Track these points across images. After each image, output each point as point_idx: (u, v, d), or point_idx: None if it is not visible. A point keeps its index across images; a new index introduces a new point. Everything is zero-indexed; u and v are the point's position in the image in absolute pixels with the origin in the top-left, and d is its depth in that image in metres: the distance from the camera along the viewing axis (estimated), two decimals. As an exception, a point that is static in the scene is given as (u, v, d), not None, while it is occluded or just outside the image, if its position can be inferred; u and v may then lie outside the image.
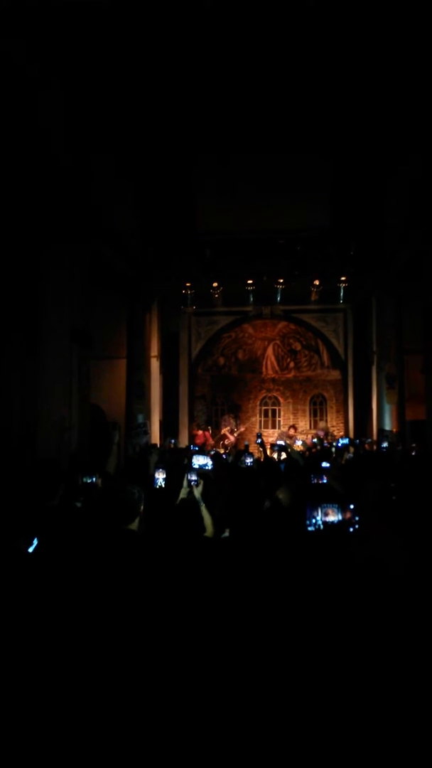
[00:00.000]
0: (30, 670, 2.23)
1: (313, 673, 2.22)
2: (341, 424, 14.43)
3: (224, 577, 2.74)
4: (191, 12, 5.65)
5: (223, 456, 9.03)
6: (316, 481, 4.62)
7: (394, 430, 10.38)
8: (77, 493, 4.14)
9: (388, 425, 10.85)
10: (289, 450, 7.74)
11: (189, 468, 4.08)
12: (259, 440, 9.35)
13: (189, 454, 7.28)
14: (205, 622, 2.47)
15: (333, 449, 8.64)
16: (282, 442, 9.64)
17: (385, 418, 11.11)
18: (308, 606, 2.38)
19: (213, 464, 4.72)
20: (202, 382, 14.91)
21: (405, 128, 7.85)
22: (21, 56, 5.62)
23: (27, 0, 5.18)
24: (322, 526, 2.50)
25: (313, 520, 2.49)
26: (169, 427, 12.97)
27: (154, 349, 11.79)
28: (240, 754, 2.11)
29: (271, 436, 13.87)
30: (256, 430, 13.82)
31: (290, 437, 12.18)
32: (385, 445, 9.04)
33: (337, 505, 2.48)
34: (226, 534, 3.48)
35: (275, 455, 7.97)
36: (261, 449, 8.96)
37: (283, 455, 7.60)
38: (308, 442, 11.56)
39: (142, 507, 3.03)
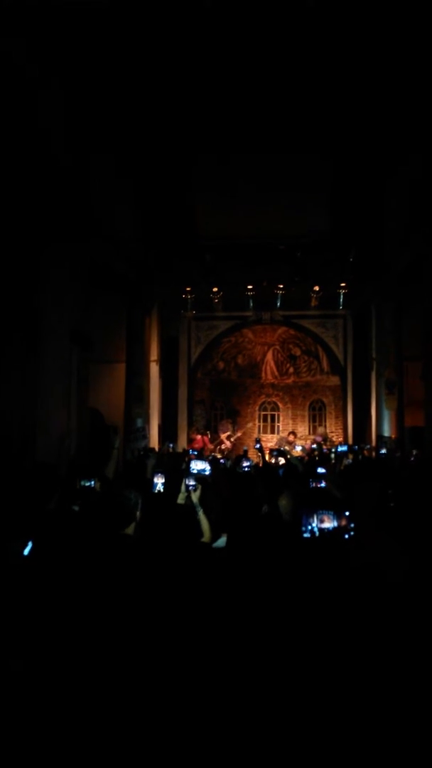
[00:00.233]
0: (25, 673, 2.21)
1: (309, 679, 2.20)
2: (340, 430, 14.42)
3: (221, 582, 2.73)
4: (191, 12, 5.66)
5: (221, 461, 9.01)
6: (314, 485, 4.61)
7: (393, 436, 10.37)
8: (75, 496, 4.13)
9: (387, 431, 10.84)
10: (289, 456, 7.73)
11: (187, 473, 4.07)
12: (258, 445, 9.34)
13: (187, 458, 7.27)
14: (201, 627, 2.46)
15: (332, 455, 8.63)
16: (282, 448, 9.64)
17: (384, 424, 11.10)
18: (304, 612, 2.37)
19: (211, 469, 4.71)
20: (201, 387, 14.91)
21: (405, 132, 7.87)
22: (21, 56, 5.63)
23: (27, 0, 5.20)
24: (317, 533, 2.49)
25: (309, 527, 2.48)
26: (168, 432, 12.96)
27: (154, 354, 11.79)
28: (233, 760, 2.09)
29: (270, 441, 13.85)
30: (255, 436, 13.80)
31: (289, 443, 12.18)
32: (383, 451, 9.03)
33: (332, 512, 2.47)
34: (223, 539, 3.47)
35: (274, 461, 7.97)
36: (260, 454, 8.95)
37: (282, 461, 7.59)
38: (307, 447, 11.56)
39: (138, 512, 3.01)
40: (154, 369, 11.83)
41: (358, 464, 8.06)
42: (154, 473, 4.82)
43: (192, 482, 3.78)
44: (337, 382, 14.44)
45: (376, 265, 10.13)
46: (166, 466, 6.28)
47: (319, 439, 12.58)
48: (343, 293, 11.49)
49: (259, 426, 15.03)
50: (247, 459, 7.08)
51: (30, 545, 2.63)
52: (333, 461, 8.19)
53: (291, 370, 15.05)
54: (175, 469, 5.95)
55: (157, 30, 6.01)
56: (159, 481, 4.57)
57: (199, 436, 12.81)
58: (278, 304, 12.08)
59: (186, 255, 10.31)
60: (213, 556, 3.23)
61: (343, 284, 11.19)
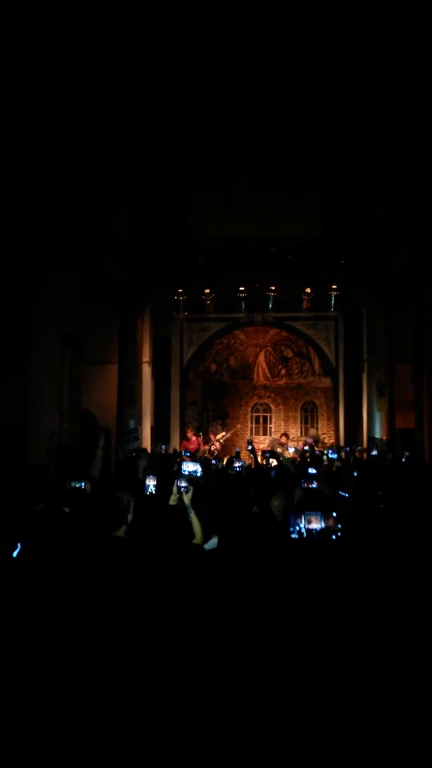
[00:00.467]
0: (24, 673, 2.21)
1: (301, 680, 2.22)
2: (332, 432, 14.48)
3: (212, 583, 2.74)
4: (191, 12, 5.66)
5: (213, 462, 9.03)
6: (306, 485, 4.62)
7: (384, 438, 10.43)
8: (65, 498, 4.13)
9: (378, 433, 10.91)
10: (281, 458, 7.76)
11: (178, 474, 4.08)
12: (250, 447, 9.36)
13: (179, 460, 7.28)
14: (193, 628, 2.47)
15: (324, 457, 8.67)
16: (275, 449, 9.67)
17: (375, 425, 11.17)
18: (294, 613, 2.38)
19: (202, 471, 4.72)
20: (193, 388, 14.92)
21: (398, 135, 7.91)
22: (20, 58, 5.61)
23: (27, 1, 5.19)
24: (305, 534, 2.51)
25: (297, 528, 2.50)
26: (160, 433, 12.95)
27: (146, 355, 11.79)
28: (225, 762, 2.10)
29: (263, 442, 13.88)
30: (247, 437, 13.83)
31: (282, 444, 12.21)
32: (374, 452, 9.09)
33: (320, 513, 2.49)
34: (214, 540, 3.48)
35: (266, 462, 7.99)
36: (252, 456, 8.97)
37: (274, 462, 7.61)
38: (299, 449, 11.60)
39: (130, 515, 3.01)
40: (147, 370, 11.83)
41: (348, 464, 8.09)
42: (146, 475, 4.82)
43: (184, 484, 3.79)
44: (328, 384, 14.50)
45: (367, 268, 10.19)
46: (158, 468, 6.28)
47: (310, 440, 12.63)
48: (335, 295, 11.54)
49: (252, 427, 15.06)
50: (239, 460, 7.10)
51: (19, 547, 2.63)
52: (325, 463, 8.24)
53: (283, 371, 15.09)
54: (167, 471, 5.96)
55: (156, 30, 6.01)
56: (151, 483, 4.58)
57: (194, 438, 12.79)
58: (270, 305, 12.11)
59: (178, 257, 10.32)
60: (204, 557, 3.24)
61: (334, 286, 11.24)
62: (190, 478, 4.07)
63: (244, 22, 5.95)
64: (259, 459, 9.12)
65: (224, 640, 2.41)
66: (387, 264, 9.66)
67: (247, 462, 8.54)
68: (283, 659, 2.30)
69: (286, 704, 2.19)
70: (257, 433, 14.89)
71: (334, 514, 2.57)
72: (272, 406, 15.12)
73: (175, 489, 3.80)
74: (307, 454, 9.85)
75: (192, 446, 12.19)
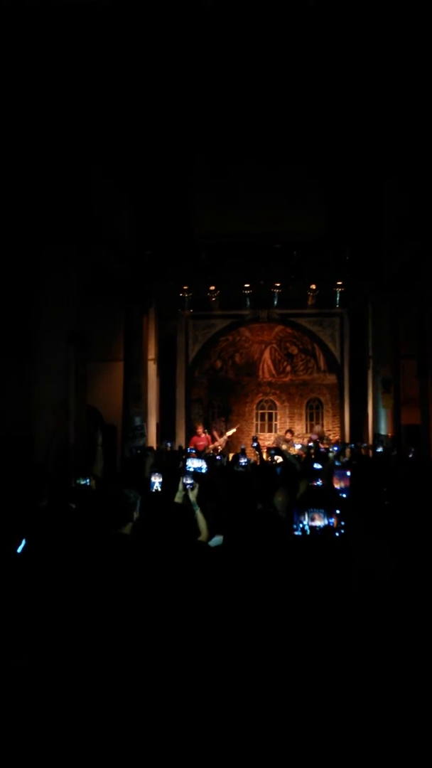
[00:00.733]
0: (19, 672, 2.23)
1: (303, 678, 2.23)
2: (337, 428, 14.46)
3: (216, 581, 2.75)
4: (191, 11, 5.66)
5: (218, 458, 9.05)
6: (311, 483, 4.64)
7: (390, 434, 10.41)
8: (71, 495, 4.16)
9: (384, 429, 10.89)
10: (287, 456, 7.76)
11: (184, 471, 4.10)
12: (255, 444, 9.37)
13: (184, 457, 7.30)
14: (198, 626, 2.48)
15: (330, 453, 8.67)
16: (280, 446, 9.67)
17: (380, 422, 11.14)
18: (297, 610, 2.39)
19: (207, 467, 4.74)
20: (198, 385, 14.93)
21: (402, 134, 7.89)
22: (20, 57, 5.63)
23: (27, 1, 5.20)
24: (309, 531, 2.52)
25: (300, 525, 2.51)
26: (165, 430, 12.97)
27: (152, 352, 11.81)
28: (229, 760, 2.12)
29: (268, 439, 13.89)
30: (252, 434, 13.83)
31: (287, 441, 12.21)
32: (380, 449, 9.08)
33: (323, 510, 2.50)
34: (219, 537, 3.49)
35: (271, 459, 8.00)
36: (257, 453, 8.98)
37: (279, 459, 7.62)
38: (305, 445, 11.58)
39: (136, 512, 3.02)
40: (152, 368, 11.85)
41: (357, 460, 8.09)
42: (151, 472, 4.84)
43: (189, 481, 3.81)
44: (333, 381, 14.48)
45: (372, 264, 10.16)
46: (163, 465, 6.31)
47: (315, 437, 12.62)
48: (340, 292, 11.51)
49: (257, 424, 15.06)
50: (245, 457, 7.12)
51: (24, 543, 2.65)
52: (330, 460, 8.23)
53: (288, 368, 15.08)
54: (173, 468, 5.98)
55: (156, 30, 6.01)
56: (156, 480, 4.60)
57: (204, 435, 12.71)
58: (275, 302, 12.09)
59: (183, 254, 10.32)
60: (209, 554, 3.25)
61: (339, 283, 11.21)
62: (196, 474, 4.09)
63: (245, 22, 5.95)
64: (264, 456, 9.13)
65: (227, 637, 2.42)
66: (392, 259, 9.64)
67: (253, 459, 8.55)
68: (286, 655, 2.31)
69: (290, 699, 2.21)
70: (262, 430, 14.90)
71: (338, 512, 2.58)
72: (277, 403, 15.12)
73: (180, 486, 3.82)
74: (312, 451, 9.85)
75: (202, 443, 12.19)
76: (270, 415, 15.16)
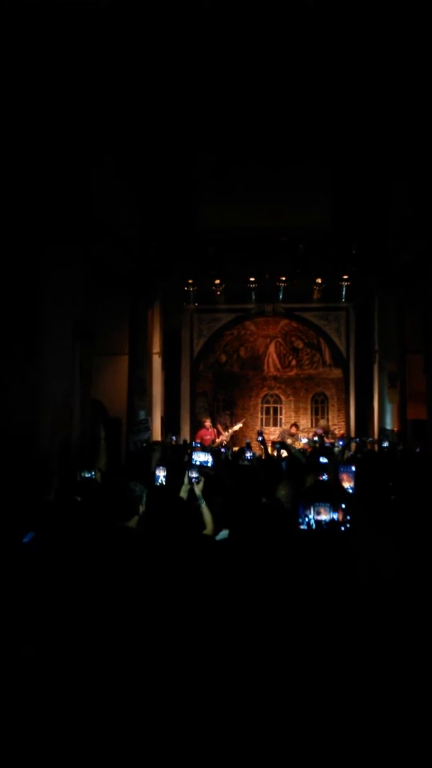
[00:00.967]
0: (24, 665, 2.23)
1: (308, 675, 2.22)
2: (342, 423, 14.43)
3: (223, 575, 2.74)
4: (191, 11, 5.64)
5: (222, 450, 9.05)
6: (318, 477, 4.62)
7: (396, 429, 10.38)
8: (76, 488, 4.16)
9: (389, 424, 10.86)
10: (292, 450, 7.75)
11: (189, 465, 4.09)
12: (260, 438, 9.36)
13: (189, 450, 7.30)
14: (203, 620, 2.48)
15: (336, 448, 8.65)
16: (285, 440, 9.65)
17: (386, 417, 11.11)
18: (304, 605, 2.38)
19: (213, 461, 4.73)
20: (203, 379, 14.91)
21: (407, 128, 7.83)
22: (20, 56, 5.61)
23: (28, 1, 5.18)
24: (314, 525, 2.50)
25: (306, 519, 2.50)
26: (170, 424, 12.98)
27: (156, 346, 11.80)
28: (236, 752, 2.11)
29: (273, 434, 13.87)
30: (257, 428, 13.82)
31: (292, 435, 12.19)
32: (385, 444, 9.05)
33: (329, 504, 2.48)
34: (226, 532, 3.48)
35: (276, 453, 7.99)
36: (262, 447, 8.97)
37: (284, 453, 7.61)
38: (311, 438, 11.55)
39: (142, 506, 3.02)
40: (157, 361, 11.85)
41: (363, 454, 8.07)
42: (156, 466, 4.84)
43: (195, 474, 3.79)
44: (339, 375, 14.43)
45: (378, 258, 10.10)
46: (168, 459, 6.31)
47: (320, 431, 12.60)
48: (346, 286, 11.45)
49: (262, 419, 15.05)
50: (250, 451, 7.11)
51: (31, 535, 2.65)
52: (336, 453, 8.22)
53: (293, 362, 15.04)
54: (178, 462, 5.98)
55: (157, 27, 5.99)
56: (161, 474, 4.60)
57: (212, 428, 12.67)
58: (280, 296, 12.05)
59: (188, 248, 10.29)
60: (214, 548, 3.24)
61: (345, 277, 11.16)
62: (201, 468, 4.08)
63: (245, 21, 5.92)
64: (269, 450, 9.12)
65: (234, 632, 2.42)
66: (398, 254, 9.58)
67: (258, 453, 8.54)
68: (291, 648, 2.30)
69: (295, 691, 2.20)
70: (267, 425, 14.88)
71: (343, 506, 2.56)
72: (282, 398, 15.09)
73: (186, 480, 3.81)
74: (317, 445, 9.83)
75: (209, 436, 12.17)
76: (275, 409, 15.15)
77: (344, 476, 3.30)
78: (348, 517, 2.83)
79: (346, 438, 11.61)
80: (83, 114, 7.09)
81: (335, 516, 2.71)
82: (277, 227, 9.93)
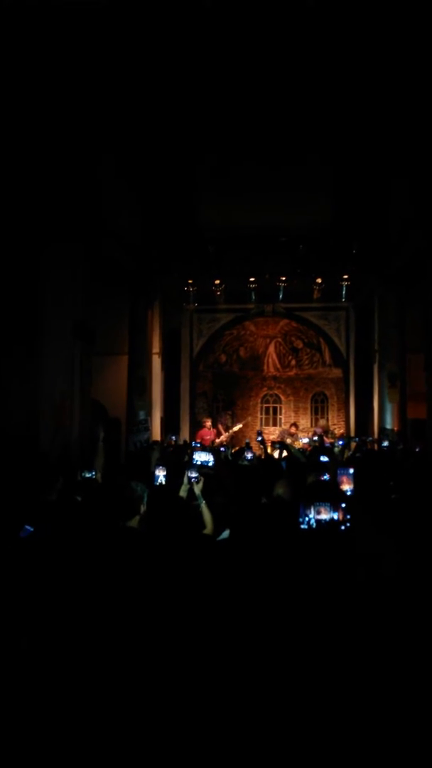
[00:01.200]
0: (24, 665, 2.23)
1: (309, 675, 2.22)
2: (342, 422, 14.43)
3: (223, 575, 2.74)
4: (191, 11, 5.65)
5: (222, 449, 9.04)
6: (318, 477, 4.62)
7: (396, 428, 10.38)
8: (77, 487, 4.16)
9: (390, 424, 10.86)
10: (292, 449, 7.75)
11: (190, 465, 4.08)
12: (260, 438, 9.36)
13: (189, 450, 7.30)
14: (203, 621, 2.48)
15: (335, 448, 8.65)
16: (284, 440, 9.65)
17: (386, 416, 11.11)
18: (305, 604, 2.38)
19: (214, 461, 4.73)
20: (203, 380, 14.91)
21: (407, 126, 7.84)
22: (21, 55, 5.61)
23: (27, 0, 5.19)
24: (314, 525, 2.50)
25: (306, 518, 2.50)
26: (170, 424, 12.98)
27: (156, 346, 11.80)
28: (239, 749, 2.11)
29: (272, 434, 13.87)
30: (257, 428, 13.82)
31: (291, 435, 12.19)
32: (385, 444, 9.05)
33: (329, 504, 2.48)
34: (227, 532, 3.48)
35: (276, 453, 7.98)
36: (261, 447, 8.97)
37: (284, 453, 7.61)
38: (311, 437, 11.55)
39: (143, 505, 3.02)
40: (157, 361, 11.85)
41: (363, 454, 8.07)
42: (156, 466, 4.84)
43: (194, 474, 3.79)
44: (339, 375, 14.43)
45: (378, 258, 10.10)
46: (168, 459, 6.31)
47: (319, 430, 12.61)
48: (346, 285, 11.46)
49: (261, 418, 15.05)
50: (250, 451, 7.11)
51: (29, 529, 2.65)
52: (336, 453, 8.21)
53: (293, 362, 15.04)
54: (178, 462, 5.98)
55: (158, 28, 5.99)
56: (160, 474, 4.59)
57: (213, 429, 12.63)
58: (280, 296, 12.05)
59: (188, 247, 10.29)
60: (213, 548, 3.24)
61: (345, 276, 11.16)
62: (201, 468, 4.07)
63: (246, 20, 5.92)
64: (269, 450, 9.12)
65: (234, 632, 2.41)
66: (398, 253, 9.58)
67: (258, 453, 8.54)
68: (293, 648, 2.30)
69: (299, 692, 2.20)
70: (267, 424, 14.88)
71: (343, 505, 2.56)
72: (282, 397, 15.09)
73: (185, 479, 3.81)
74: (316, 443, 9.83)
75: (209, 436, 12.17)
76: (275, 409, 15.14)
77: (343, 478, 3.29)
78: (348, 517, 2.83)
79: (346, 437, 11.61)
80: (84, 114, 7.10)
81: (335, 516, 2.70)
82: (277, 227, 9.93)
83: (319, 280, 11.35)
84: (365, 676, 2.20)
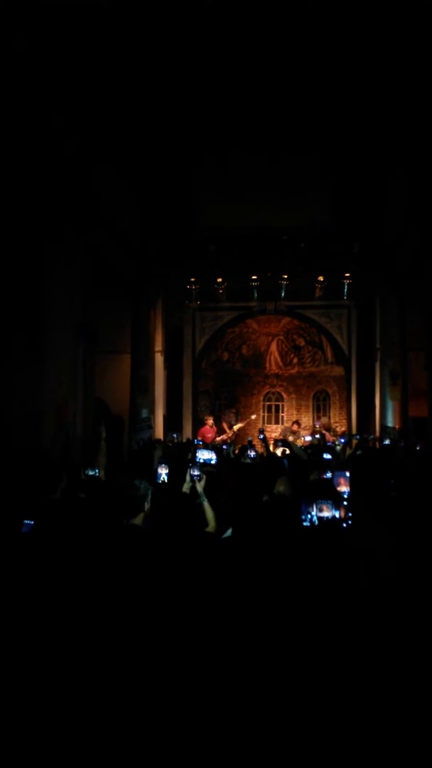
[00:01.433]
0: (26, 663, 2.26)
1: (311, 673, 2.25)
2: (344, 420, 14.45)
3: (225, 573, 2.77)
4: (191, 10, 5.66)
5: (224, 447, 9.07)
6: (321, 475, 4.63)
7: (397, 426, 10.40)
8: (80, 485, 4.20)
9: (391, 422, 10.88)
10: (294, 447, 7.77)
11: (192, 463, 4.12)
12: (262, 436, 9.39)
13: (192, 448, 7.33)
14: (205, 619, 2.51)
15: (337, 446, 8.67)
16: (286, 438, 9.68)
17: (387, 414, 11.14)
18: (307, 603, 2.41)
19: (216, 459, 4.76)
20: (205, 377, 14.94)
21: (406, 126, 7.84)
22: (22, 55, 5.63)
23: (27, 0, 5.21)
24: (317, 522, 2.53)
25: (308, 516, 2.53)
26: (172, 422, 13.02)
27: (159, 344, 11.83)
28: (239, 750, 2.14)
29: (274, 431, 13.90)
30: (259, 426, 13.85)
31: (294, 432, 12.22)
32: (387, 441, 9.08)
33: (331, 501, 2.51)
34: (230, 531, 3.51)
35: (278, 451, 8.01)
36: (264, 445, 9.00)
37: (287, 450, 7.63)
38: (314, 434, 11.56)
39: (147, 503, 3.04)
40: (159, 360, 11.88)
41: (365, 452, 8.08)
42: (158, 464, 4.88)
43: (196, 472, 3.82)
44: (341, 373, 14.44)
45: (380, 256, 10.12)
46: (170, 457, 6.34)
47: (318, 424, 12.64)
48: (348, 284, 11.46)
49: (264, 416, 15.07)
50: (253, 449, 7.13)
51: (30, 524, 2.67)
52: (338, 451, 8.24)
53: (295, 360, 15.06)
54: (180, 460, 6.02)
55: (158, 29, 6.00)
56: (163, 472, 4.63)
57: (214, 426, 12.63)
58: (282, 294, 12.05)
59: (190, 246, 10.31)
60: (215, 546, 3.27)
61: (347, 275, 11.17)
62: (204, 466, 4.11)
63: (246, 19, 5.93)
64: (271, 448, 9.15)
65: (236, 630, 2.44)
66: (399, 251, 9.59)
67: (260, 450, 8.57)
68: (295, 647, 2.33)
69: (300, 692, 2.23)
70: (269, 422, 14.91)
71: (345, 503, 2.59)
72: (284, 395, 15.11)
73: (188, 477, 3.84)
74: (317, 441, 9.85)
75: (210, 434, 12.19)
76: (277, 407, 15.17)
77: (341, 480, 3.33)
78: (350, 514, 2.86)
79: (348, 435, 11.64)
80: (85, 116, 7.13)
81: (337, 513, 2.74)
82: (279, 225, 9.94)
83: (320, 278, 11.35)
84: (366, 675, 2.22)
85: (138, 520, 2.99)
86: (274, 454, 7.84)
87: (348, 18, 5.92)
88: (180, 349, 13.97)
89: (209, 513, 3.57)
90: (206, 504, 3.61)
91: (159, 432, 11.59)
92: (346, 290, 11.63)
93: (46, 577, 2.59)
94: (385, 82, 7.14)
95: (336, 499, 2.63)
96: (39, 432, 6.40)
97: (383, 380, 11.46)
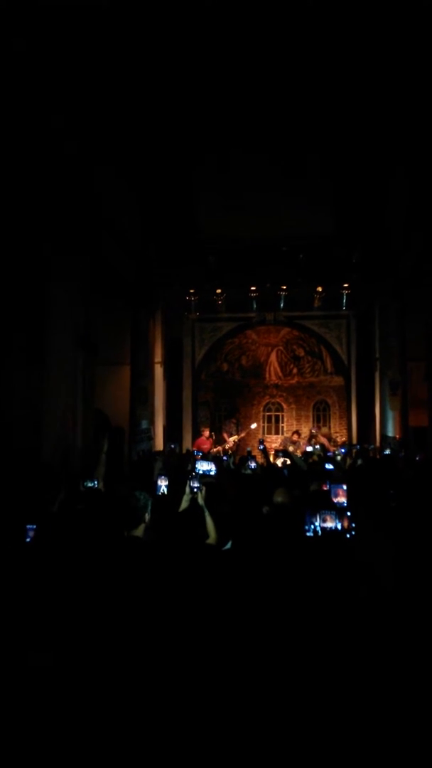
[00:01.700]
0: (28, 673, 2.25)
1: (310, 683, 2.24)
2: (344, 430, 14.44)
3: (226, 586, 2.76)
4: (191, 10, 5.67)
5: (224, 458, 9.05)
6: (323, 486, 4.62)
7: (397, 436, 10.39)
8: (80, 497, 4.19)
9: (391, 432, 10.87)
10: (294, 457, 7.76)
11: (192, 474, 4.10)
12: (262, 446, 9.38)
13: (192, 460, 7.31)
14: (207, 630, 2.50)
15: (338, 456, 8.67)
16: (286, 448, 9.66)
17: (388, 424, 11.13)
18: (308, 615, 2.40)
19: (216, 470, 4.75)
20: (205, 388, 14.95)
21: (406, 134, 7.89)
22: (22, 55, 5.66)
23: (27, 1, 5.24)
24: (320, 532, 2.53)
25: (312, 526, 2.53)
26: (172, 433, 12.99)
27: (158, 355, 11.84)
28: (241, 754, 2.13)
29: (275, 442, 13.89)
30: (259, 436, 13.83)
31: (293, 443, 12.20)
32: (387, 451, 9.07)
33: (334, 512, 2.51)
34: (230, 544, 3.49)
35: (279, 461, 8.00)
36: (264, 455, 8.99)
37: (287, 461, 7.62)
38: (303, 445, 11.52)
39: (147, 515, 3.03)
40: (159, 371, 11.88)
41: (366, 462, 8.07)
42: (158, 475, 4.86)
43: (196, 484, 3.80)
44: (340, 383, 14.46)
45: (379, 266, 10.16)
46: (169, 468, 6.33)
47: (315, 430, 12.64)
48: (347, 294, 11.50)
49: (264, 427, 15.06)
50: (253, 461, 7.12)
51: (33, 530, 2.66)
52: (339, 460, 8.23)
53: (295, 370, 15.08)
54: (180, 471, 6.00)
55: (158, 29, 6.02)
56: (162, 484, 4.61)
57: (211, 438, 12.63)
58: (282, 305, 12.09)
59: (189, 257, 10.35)
60: (216, 558, 3.26)
61: (346, 285, 11.21)
62: (204, 477, 4.09)
63: (246, 20, 5.96)
64: (271, 458, 9.13)
65: (237, 641, 2.43)
66: (399, 262, 9.63)
67: (260, 461, 8.55)
68: (295, 658, 2.32)
69: (302, 701, 2.22)
70: (269, 432, 14.89)
71: (349, 514, 2.59)
72: (284, 405, 15.11)
73: (187, 489, 3.82)
74: (318, 450, 9.83)
75: (206, 446, 12.18)
76: (277, 417, 15.16)
77: (339, 491, 3.32)
78: (353, 525, 2.85)
79: (348, 445, 11.62)
80: (85, 116, 7.13)
81: (339, 525, 2.73)
82: (278, 236, 9.99)
83: (319, 289, 11.40)
84: (367, 683, 2.21)
85: (139, 531, 2.98)
86: (275, 465, 7.82)
87: (348, 19, 5.93)
88: (179, 360, 13.99)
89: (210, 525, 3.55)
90: (207, 516, 3.59)
91: (159, 443, 11.57)
92: (345, 300, 11.67)
93: (48, 587, 2.58)
94: (386, 82, 7.14)
95: (339, 510, 2.63)
96: (39, 444, 6.39)
97: (383, 390, 11.46)
